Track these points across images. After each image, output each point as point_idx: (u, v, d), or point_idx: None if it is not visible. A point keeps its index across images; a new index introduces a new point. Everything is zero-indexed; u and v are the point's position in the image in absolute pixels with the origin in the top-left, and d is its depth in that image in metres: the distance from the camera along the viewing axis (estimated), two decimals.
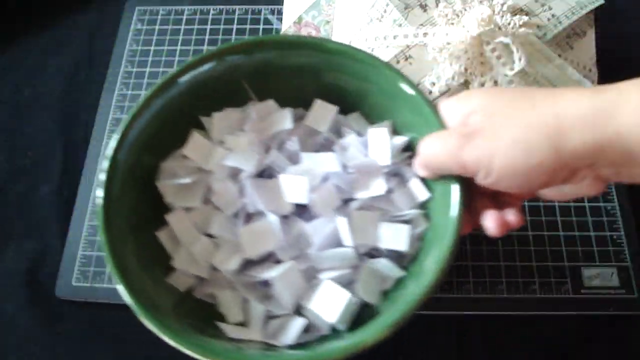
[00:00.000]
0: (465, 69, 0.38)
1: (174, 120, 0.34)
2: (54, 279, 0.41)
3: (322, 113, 0.36)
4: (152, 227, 0.34)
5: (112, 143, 0.31)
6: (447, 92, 0.39)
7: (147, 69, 0.49)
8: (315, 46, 0.35)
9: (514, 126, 0.25)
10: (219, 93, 0.36)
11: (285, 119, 0.36)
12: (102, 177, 0.30)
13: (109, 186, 0.30)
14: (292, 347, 0.31)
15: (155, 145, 0.34)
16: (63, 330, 0.40)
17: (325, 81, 0.36)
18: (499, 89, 0.28)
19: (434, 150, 0.29)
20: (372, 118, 0.37)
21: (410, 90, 0.33)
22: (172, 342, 0.27)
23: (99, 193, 0.30)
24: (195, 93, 0.35)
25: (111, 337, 0.39)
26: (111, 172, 0.31)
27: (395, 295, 0.31)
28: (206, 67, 0.34)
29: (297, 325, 0.31)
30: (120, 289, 0.28)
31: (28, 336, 0.40)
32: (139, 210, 0.33)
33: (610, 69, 0.46)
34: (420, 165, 0.31)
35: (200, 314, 0.32)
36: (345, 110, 0.37)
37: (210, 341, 0.29)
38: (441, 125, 0.30)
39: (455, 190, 0.29)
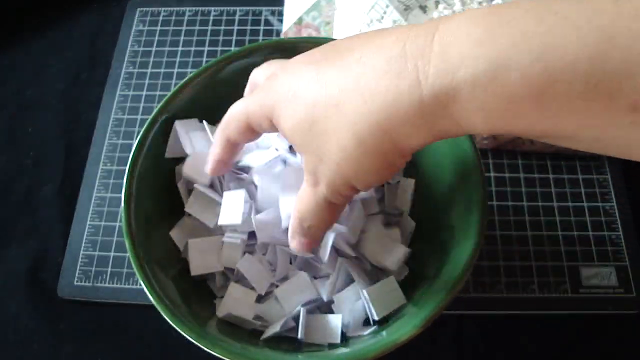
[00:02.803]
0: None
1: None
2: (56, 279, 0.41)
3: None
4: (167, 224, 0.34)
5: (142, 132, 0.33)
6: None
7: (149, 70, 0.49)
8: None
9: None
10: (227, 94, 0.36)
11: None
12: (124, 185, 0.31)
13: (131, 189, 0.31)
14: (323, 346, 0.31)
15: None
16: (65, 330, 0.40)
17: None
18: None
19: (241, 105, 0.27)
20: None
21: None
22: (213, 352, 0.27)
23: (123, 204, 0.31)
24: (214, 92, 0.35)
25: (113, 337, 0.40)
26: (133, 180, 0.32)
27: (421, 295, 0.32)
28: (234, 65, 0.35)
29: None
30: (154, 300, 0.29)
31: (30, 335, 0.40)
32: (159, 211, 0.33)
33: None
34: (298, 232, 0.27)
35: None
36: None
37: (247, 347, 0.29)
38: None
39: (477, 193, 0.30)
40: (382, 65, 0.20)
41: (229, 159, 0.30)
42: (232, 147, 0.29)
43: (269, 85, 0.25)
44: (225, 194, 0.32)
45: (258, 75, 0.29)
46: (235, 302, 0.32)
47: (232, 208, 0.31)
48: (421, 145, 0.22)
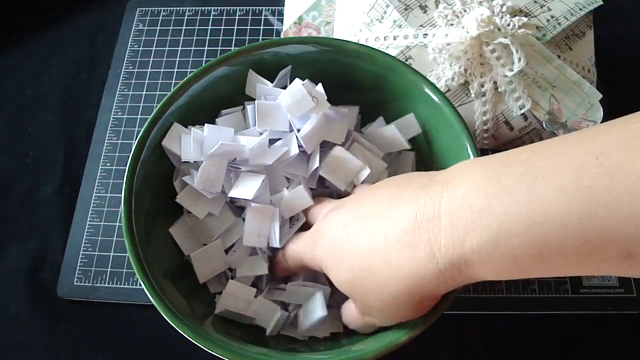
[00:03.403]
0: (465, 70, 0.38)
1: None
2: (56, 279, 0.41)
3: (350, 114, 0.37)
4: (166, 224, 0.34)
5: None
6: (447, 92, 0.39)
7: (149, 70, 0.49)
8: (333, 46, 0.35)
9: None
10: (227, 94, 0.36)
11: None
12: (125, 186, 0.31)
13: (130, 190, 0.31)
14: (322, 348, 0.31)
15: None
16: (64, 330, 0.40)
17: (342, 80, 0.37)
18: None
19: (295, 245, 0.32)
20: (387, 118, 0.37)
21: (432, 94, 0.33)
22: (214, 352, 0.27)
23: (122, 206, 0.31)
24: (210, 95, 0.35)
25: (112, 337, 0.40)
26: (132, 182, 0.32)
27: None
28: (232, 66, 0.35)
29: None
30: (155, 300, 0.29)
31: (29, 335, 0.40)
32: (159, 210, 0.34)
33: (609, 70, 0.46)
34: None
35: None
36: (362, 109, 0.38)
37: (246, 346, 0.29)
38: (463, 124, 0.32)
39: None
40: (401, 237, 0.23)
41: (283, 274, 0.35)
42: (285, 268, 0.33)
43: (314, 241, 0.29)
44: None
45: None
46: (233, 299, 0.33)
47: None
48: (448, 290, 0.25)
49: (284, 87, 0.36)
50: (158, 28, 0.52)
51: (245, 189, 0.32)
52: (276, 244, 0.32)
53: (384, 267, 0.24)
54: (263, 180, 0.32)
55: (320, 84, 0.34)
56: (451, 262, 0.22)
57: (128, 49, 0.51)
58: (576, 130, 0.21)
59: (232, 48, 0.50)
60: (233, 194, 0.32)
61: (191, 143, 0.33)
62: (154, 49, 0.50)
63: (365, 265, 0.25)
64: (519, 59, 0.37)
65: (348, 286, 0.27)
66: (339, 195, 0.34)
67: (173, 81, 0.49)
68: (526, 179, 0.20)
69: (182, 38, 0.51)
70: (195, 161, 0.33)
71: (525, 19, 0.38)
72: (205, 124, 0.33)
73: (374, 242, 0.25)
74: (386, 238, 0.24)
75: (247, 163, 0.33)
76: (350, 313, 0.31)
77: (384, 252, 0.24)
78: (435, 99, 0.33)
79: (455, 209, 0.21)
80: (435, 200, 0.22)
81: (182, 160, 0.34)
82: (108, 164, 0.45)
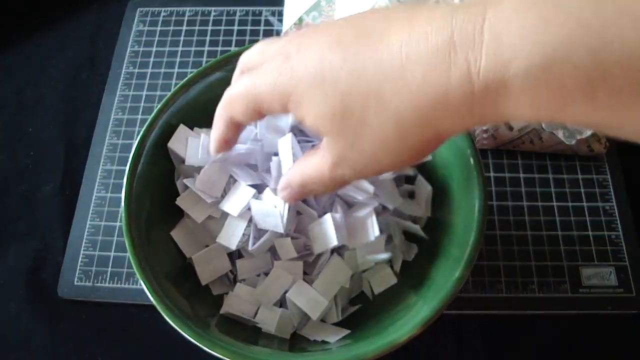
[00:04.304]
0: None
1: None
2: (56, 279, 0.41)
3: None
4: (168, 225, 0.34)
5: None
6: None
7: (149, 70, 0.49)
8: None
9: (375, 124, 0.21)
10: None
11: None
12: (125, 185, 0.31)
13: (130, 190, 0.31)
14: (322, 347, 0.31)
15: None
16: (65, 330, 0.40)
17: None
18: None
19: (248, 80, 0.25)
20: None
21: None
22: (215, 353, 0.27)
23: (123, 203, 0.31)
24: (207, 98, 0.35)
25: (113, 337, 0.40)
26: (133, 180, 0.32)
27: (421, 295, 0.32)
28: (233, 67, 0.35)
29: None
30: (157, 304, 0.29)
31: (30, 335, 0.40)
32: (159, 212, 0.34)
33: None
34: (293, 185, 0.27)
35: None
36: None
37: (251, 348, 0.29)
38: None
39: (477, 193, 0.31)
40: (430, 57, 0.19)
41: (232, 137, 0.28)
42: (236, 127, 0.28)
43: (282, 65, 0.23)
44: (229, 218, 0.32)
45: (253, 57, 0.26)
46: (239, 301, 0.33)
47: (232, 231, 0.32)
48: (460, 132, 0.21)
49: None
50: (158, 28, 0.52)
51: (234, 204, 0.32)
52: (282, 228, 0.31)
53: (400, 89, 0.20)
54: (253, 195, 0.32)
55: None
56: (489, 86, 0.18)
57: (128, 49, 0.51)
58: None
59: (233, 48, 0.50)
60: (223, 207, 0.32)
61: (199, 148, 0.33)
62: (154, 49, 0.50)
63: (370, 88, 0.20)
64: None
65: (333, 120, 0.21)
66: None
67: (173, 81, 0.49)
68: (591, 3, 0.17)
69: (182, 38, 0.51)
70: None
71: None
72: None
73: (387, 60, 0.20)
74: (406, 55, 0.19)
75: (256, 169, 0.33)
76: (315, 164, 0.24)
77: (401, 70, 0.19)
78: None
79: (503, 25, 0.18)
80: (477, 17, 0.18)
81: (186, 164, 0.34)
82: (108, 164, 0.45)
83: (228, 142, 0.29)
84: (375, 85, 0.20)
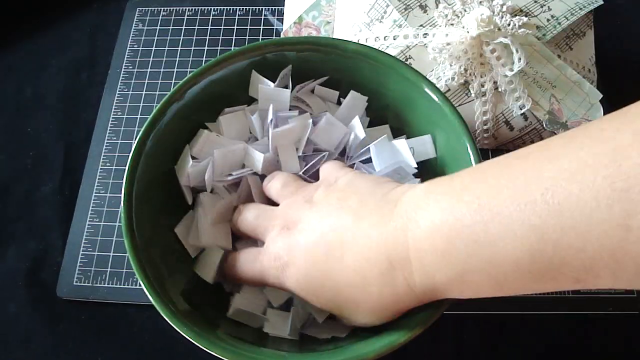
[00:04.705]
0: (465, 70, 0.38)
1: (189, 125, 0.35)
2: (55, 279, 0.41)
3: (355, 103, 0.36)
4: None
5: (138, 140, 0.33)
6: (447, 92, 0.39)
7: (148, 69, 0.49)
8: (333, 46, 0.35)
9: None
10: (227, 94, 0.36)
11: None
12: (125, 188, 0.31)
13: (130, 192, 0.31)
14: (321, 348, 0.31)
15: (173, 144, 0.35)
16: (64, 330, 0.40)
17: (342, 82, 0.37)
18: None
19: (250, 264, 0.31)
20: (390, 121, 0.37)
21: (432, 94, 0.33)
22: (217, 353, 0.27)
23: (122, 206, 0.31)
24: (210, 94, 0.35)
25: (113, 337, 0.40)
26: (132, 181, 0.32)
27: None
28: (232, 66, 0.35)
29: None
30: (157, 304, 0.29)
31: (29, 336, 0.40)
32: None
33: (610, 69, 0.46)
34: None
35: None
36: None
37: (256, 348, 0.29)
38: (463, 124, 0.32)
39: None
40: (380, 278, 0.25)
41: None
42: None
43: (282, 272, 0.29)
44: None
45: (274, 191, 0.33)
46: (248, 299, 0.33)
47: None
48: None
49: (285, 87, 0.36)
50: (158, 28, 0.52)
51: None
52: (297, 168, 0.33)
53: (367, 300, 0.27)
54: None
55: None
56: (426, 291, 0.25)
57: (128, 48, 0.50)
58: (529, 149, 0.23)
59: (232, 48, 0.50)
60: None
61: (211, 173, 0.34)
62: (153, 48, 0.50)
63: (349, 298, 0.27)
64: (519, 59, 0.37)
65: (333, 309, 0.29)
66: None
67: (173, 81, 0.49)
68: (479, 218, 0.22)
69: (181, 38, 0.51)
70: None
71: (525, 19, 0.38)
72: (215, 150, 0.33)
73: (353, 283, 0.26)
74: (364, 279, 0.26)
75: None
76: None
77: (364, 289, 0.26)
78: (435, 99, 0.33)
79: (421, 251, 0.24)
80: (402, 240, 0.24)
81: (190, 186, 0.34)
82: (108, 164, 0.45)
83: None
84: (351, 297, 0.27)
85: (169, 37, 0.51)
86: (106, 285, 0.40)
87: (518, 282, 0.22)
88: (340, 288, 0.27)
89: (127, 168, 0.32)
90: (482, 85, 0.39)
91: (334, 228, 0.27)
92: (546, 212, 0.19)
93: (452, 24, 0.38)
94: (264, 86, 0.35)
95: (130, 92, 0.48)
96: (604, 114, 0.39)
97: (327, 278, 0.27)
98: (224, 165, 0.34)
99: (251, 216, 0.32)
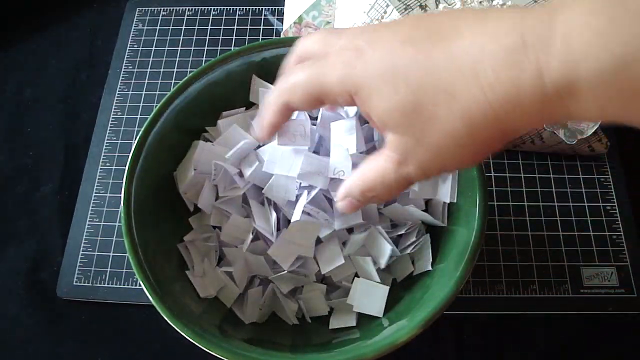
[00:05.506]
0: None
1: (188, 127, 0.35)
2: (55, 279, 0.41)
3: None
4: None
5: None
6: None
7: (148, 69, 0.49)
8: None
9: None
10: (227, 94, 0.36)
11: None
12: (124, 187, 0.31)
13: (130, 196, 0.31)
14: (321, 348, 0.31)
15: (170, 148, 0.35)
16: (64, 330, 0.40)
17: None
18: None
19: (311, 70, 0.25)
20: None
21: None
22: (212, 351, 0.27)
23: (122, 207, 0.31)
24: (208, 95, 0.35)
25: (112, 337, 0.40)
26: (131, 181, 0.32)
27: (421, 295, 0.32)
28: (231, 67, 0.35)
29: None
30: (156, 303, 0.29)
31: (29, 336, 0.40)
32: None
33: None
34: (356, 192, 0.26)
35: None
36: None
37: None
38: None
39: (477, 193, 0.31)
40: (502, 56, 0.19)
41: (282, 123, 0.28)
42: (289, 114, 0.27)
43: (352, 58, 0.23)
44: None
45: (314, 46, 0.26)
46: (234, 230, 0.33)
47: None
48: (526, 130, 0.22)
49: None
50: (157, 28, 0.51)
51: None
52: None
53: (472, 88, 0.20)
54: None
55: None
56: (559, 87, 0.19)
57: (127, 48, 0.50)
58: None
59: (232, 48, 0.50)
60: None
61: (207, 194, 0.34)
62: (153, 48, 0.50)
63: (443, 84, 0.21)
64: None
65: (403, 114, 0.22)
66: None
67: (172, 81, 0.49)
68: None
69: (181, 38, 0.51)
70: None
71: None
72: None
73: (460, 58, 0.20)
74: (480, 53, 0.20)
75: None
76: (377, 166, 0.24)
77: (473, 69, 0.20)
78: None
79: (573, 29, 0.18)
80: (547, 21, 0.19)
81: (200, 206, 0.34)
82: (107, 164, 0.45)
83: (277, 128, 0.28)
84: (446, 82, 0.21)
85: (169, 37, 0.51)
86: (106, 285, 0.40)
87: None
88: (436, 70, 0.21)
89: (127, 168, 0.32)
90: None
91: (444, 18, 0.22)
92: None
93: None
94: (264, 90, 0.35)
95: (130, 92, 0.48)
96: None
97: (421, 54, 0.21)
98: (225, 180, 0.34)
99: (312, 41, 0.26)
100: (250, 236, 0.33)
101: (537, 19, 0.19)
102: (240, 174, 0.34)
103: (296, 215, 0.31)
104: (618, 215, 0.42)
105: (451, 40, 0.21)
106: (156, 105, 0.34)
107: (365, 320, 0.33)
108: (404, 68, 0.21)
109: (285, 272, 0.32)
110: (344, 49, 0.24)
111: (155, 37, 0.51)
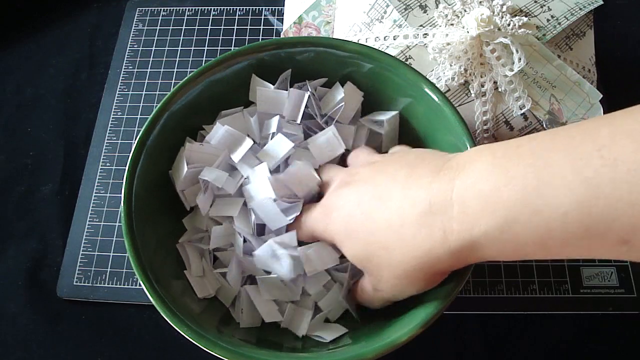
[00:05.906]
0: (465, 70, 0.38)
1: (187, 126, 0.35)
2: (55, 279, 0.41)
3: (352, 96, 0.36)
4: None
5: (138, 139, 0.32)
6: (447, 92, 0.39)
7: (148, 69, 0.49)
8: (333, 46, 0.35)
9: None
10: (227, 94, 0.36)
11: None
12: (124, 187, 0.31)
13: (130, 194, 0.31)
14: (320, 348, 0.31)
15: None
16: (64, 330, 0.40)
17: (342, 80, 0.37)
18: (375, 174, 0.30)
19: (306, 217, 0.32)
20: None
21: (432, 94, 0.33)
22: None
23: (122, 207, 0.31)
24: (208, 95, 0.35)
25: (112, 337, 0.40)
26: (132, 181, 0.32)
27: (421, 295, 0.31)
28: (231, 67, 0.35)
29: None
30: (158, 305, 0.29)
31: (29, 336, 0.40)
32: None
33: (610, 70, 0.46)
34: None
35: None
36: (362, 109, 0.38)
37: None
38: (463, 124, 0.32)
39: None
40: (416, 219, 0.25)
41: None
42: None
43: (323, 215, 0.31)
44: None
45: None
46: (223, 238, 0.34)
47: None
48: (458, 268, 0.27)
49: (285, 89, 0.36)
50: (158, 28, 0.52)
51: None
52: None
53: (399, 245, 0.26)
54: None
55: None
56: (462, 245, 0.24)
57: (128, 48, 0.50)
58: (580, 121, 0.22)
59: (232, 48, 0.50)
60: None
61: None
62: (153, 48, 0.50)
63: (381, 242, 0.26)
64: (519, 59, 0.37)
65: (363, 260, 0.28)
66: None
67: (173, 81, 0.49)
68: (531, 169, 0.21)
69: (181, 38, 0.51)
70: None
71: (525, 19, 0.38)
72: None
73: (390, 222, 0.26)
74: (402, 219, 0.25)
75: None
76: (364, 289, 0.32)
77: (399, 231, 0.25)
78: (435, 99, 0.33)
79: (465, 196, 0.23)
80: (447, 187, 0.24)
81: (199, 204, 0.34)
82: (108, 164, 0.45)
83: None
84: (384, 241, 0.26)
85: (169, 37, 0.51)
86: (106, 285, 0.40)
87: (563, 239, 0.21)
88: (376, 231, 0.27)
89: (127, 168, 0.32)
90: (482, 85, 0.39)
91: (387, 179, 0.27)
92: (600, 165, 0.19)
93: (452, 24, 0.38)
94: (262, 88, 0.35)
95: (130, 92, 0.48)
96: (604, 114, 0.39)
97: (367, 218, 0.27)
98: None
99: (325, 172, 0.34)
100: (241, 238, 0.33)
101: (442, 186, 0.24)
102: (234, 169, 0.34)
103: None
104: None
105: (386, 205, 0.27)
106: (156, 105, 0.34)
107: (365, 321, 0.33)
108: (357, 226, 0.28)
109: (276, 276, 0.32)
110: (319, 205, 0.31)
111: (156, 37, 0.51)
